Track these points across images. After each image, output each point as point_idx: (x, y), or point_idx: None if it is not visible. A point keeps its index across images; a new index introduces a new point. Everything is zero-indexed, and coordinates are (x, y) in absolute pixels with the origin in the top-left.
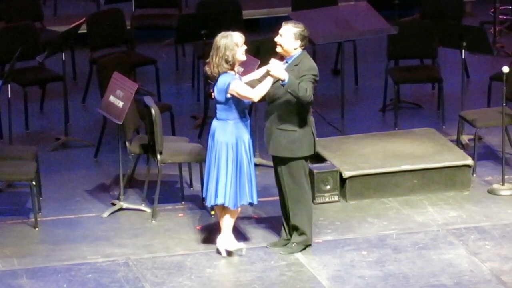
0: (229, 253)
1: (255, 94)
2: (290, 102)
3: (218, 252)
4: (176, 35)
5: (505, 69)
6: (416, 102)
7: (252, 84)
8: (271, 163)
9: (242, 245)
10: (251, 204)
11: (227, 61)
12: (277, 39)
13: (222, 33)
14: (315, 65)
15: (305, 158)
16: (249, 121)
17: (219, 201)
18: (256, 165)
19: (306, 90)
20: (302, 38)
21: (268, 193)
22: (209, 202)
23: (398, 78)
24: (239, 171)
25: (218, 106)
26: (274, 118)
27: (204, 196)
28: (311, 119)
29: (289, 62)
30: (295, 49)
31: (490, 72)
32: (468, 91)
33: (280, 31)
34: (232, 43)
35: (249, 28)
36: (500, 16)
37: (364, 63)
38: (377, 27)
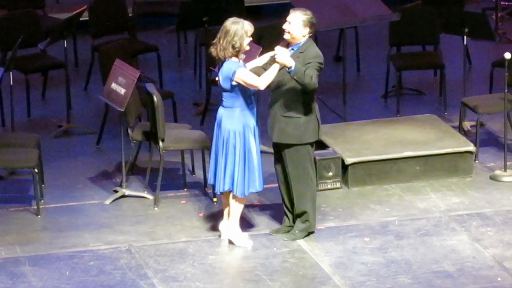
0: (231, 242)
1: (262, 82)
2: (295, 89)
3: (220, 236)
4: (178, 22)
5: (507, 55)
6: (418, 88)
7: (256, 71)
8: (271, 150)
9: (248, 242)
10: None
11: (234, 47)
12: (285, 26)
13: (234, 19)
14: (320, 53)
15: (311, 144)
16: (255, 108)
17: (226, 187)
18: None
19: (311, 78)
20: (311, 25)
21: (270, 180)
22: (218, 189)
23: (400, 65)
24: (247, 159)
25: (224, 93)
26: (278, 105)
27: (211, 183)
28: (315, 105)
29: (295, 49)
30: (303, 36)
31: (492, 58)
32: (470, 77)
33: (288, 18)
34: (243, 30)
35: (251, 15)
36: (502, 2)
37: (366, 49)
38: (379, 14)
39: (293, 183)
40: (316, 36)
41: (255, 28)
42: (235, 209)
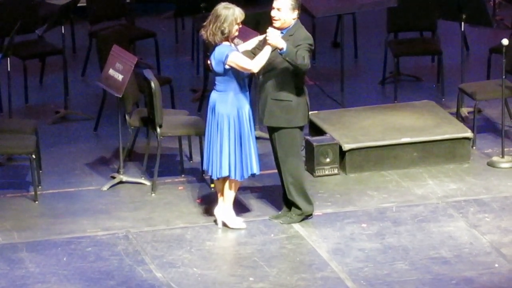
0: (225, 225)
1: (254, 65)
2: (285, 72)
3: (216, 222)
4: (175, 8)
5: (505, 41)
6: (416, 74)
7: (246, 55)
8: (267, 135)
9: (241, 224)
10: (253, 175)
11: (222, 33)
12: (274, 13)
13: (226, 4)
14: (309, 34)
15: (300, 128)
16: (248, 92)
17: (224, 173)
18: (256, 138)
19: (303, 58)
20: (298, 6)
21: (267, 166)
22: (215, 175)
23: (397, 51)
24: (243, 143)
25: (217, 77)
26: (269, 88)
27: (205, 168)
28: (305, 89)
29: (284, 32)
30: (293, 19)
31: (490, 44)
32: (468, 63)
33: (276, 5)
34: (233, 17)
35: (249, 0)
36: None
37: (364, 35)
38: (377, 0)
39: (282, 166)
40: (313, 23)
41: (252, 14)
42: (230, 193)
